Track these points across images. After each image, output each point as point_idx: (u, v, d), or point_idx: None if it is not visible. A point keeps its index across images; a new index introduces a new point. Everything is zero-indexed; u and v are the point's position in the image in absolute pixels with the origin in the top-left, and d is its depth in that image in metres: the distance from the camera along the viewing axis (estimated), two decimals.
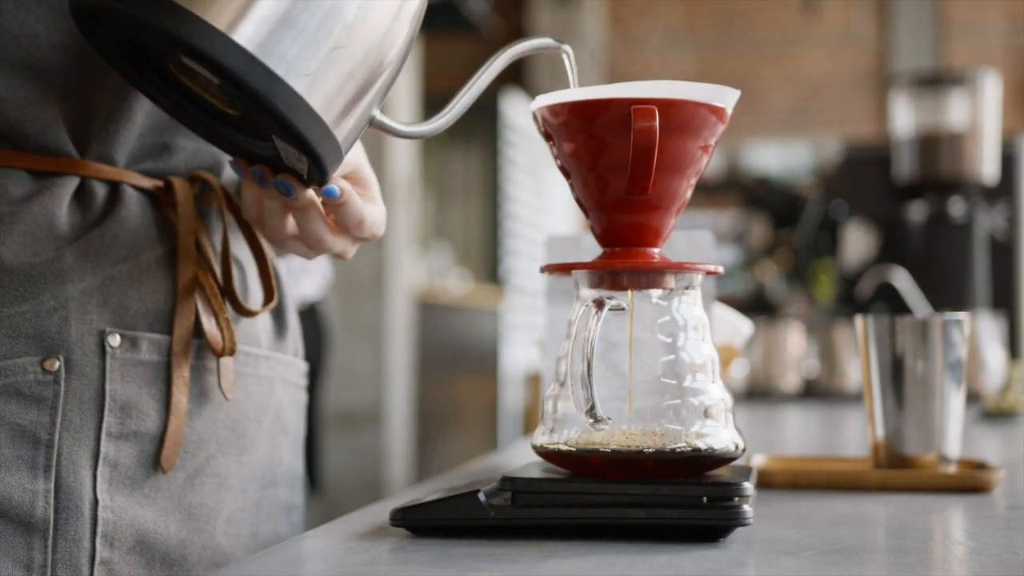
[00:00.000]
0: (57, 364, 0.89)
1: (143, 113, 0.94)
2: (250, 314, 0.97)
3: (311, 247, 0.92)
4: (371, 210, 0.91)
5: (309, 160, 0.79)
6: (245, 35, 0.73)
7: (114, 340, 0.91)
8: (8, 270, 0.89)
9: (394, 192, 4.17)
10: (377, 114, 0.82)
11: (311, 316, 3.34)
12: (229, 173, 1.03)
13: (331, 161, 0.79)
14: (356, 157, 0.92)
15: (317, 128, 0.76)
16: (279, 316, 1.07)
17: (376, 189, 0.94)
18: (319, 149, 0.77)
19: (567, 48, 0.88)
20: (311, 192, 0.87)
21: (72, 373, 0.90)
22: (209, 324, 0.95)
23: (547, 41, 0.86)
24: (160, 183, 0.98)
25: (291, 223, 0.93)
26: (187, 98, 0.84)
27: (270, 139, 0.81)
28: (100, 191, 0.94)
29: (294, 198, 0.86)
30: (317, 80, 0.75)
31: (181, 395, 0.93)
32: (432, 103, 5.34)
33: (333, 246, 0.92)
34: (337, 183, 0.87)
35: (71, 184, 0.93)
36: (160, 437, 0.93)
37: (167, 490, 0.94)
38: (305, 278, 3.32)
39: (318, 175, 0.81)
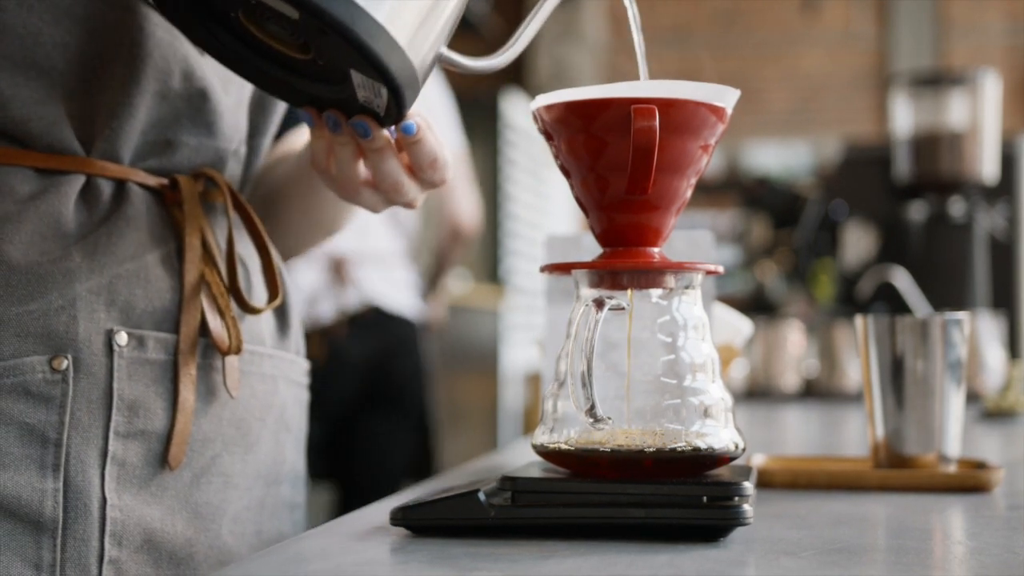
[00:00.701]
0: (65, 363, 0.89)
1: (146, 109, 0.94)
2: (255, 312, 0.97)
3: (387, 191, 0.90)
4: (442, 150, 0.90)
5: (389, 92, 0.79)
6: None
7: (121, 339, 0.92)
8: (16, 269, 0.89)
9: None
10: (444, 50, 0.82)
11: (407, 343, 2.97)
12: (232, 170, 1.03)
13: (412, 93, 0.79)
14: (418, 104, 0.91)
15: (398, 57, 0.77)
16: (282, 314, 1.07)
17: (439, 133, 0.92)
18: (400, 79, 0.77)
19: None
20: (387, 132, 0.86)
21: (80, 372, 0.90)
22: (215, 323, 0.95)
23: None
24: (165, 180, 0.98)
25: (363, 170, 0.91)
26: (253, 50, 0.84)
27: (342, 81, 0.81)
28: (106, 189, 0.94)
29: (371, 139, 0.85)
30: (395, 10, 0.76)
31: (189, 393, 0.94)
32: None
33: (409, 191, 0.90)
34: (413, 119, 0.86)
35: (77, 182, 0.93)
36: (167, 436, 0.93)
37: (174, 489, 0.94)
38: (396, 293, 3.08)
39: (396, 110, 0.81)
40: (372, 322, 2.95)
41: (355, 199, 0.93)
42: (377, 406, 2.99)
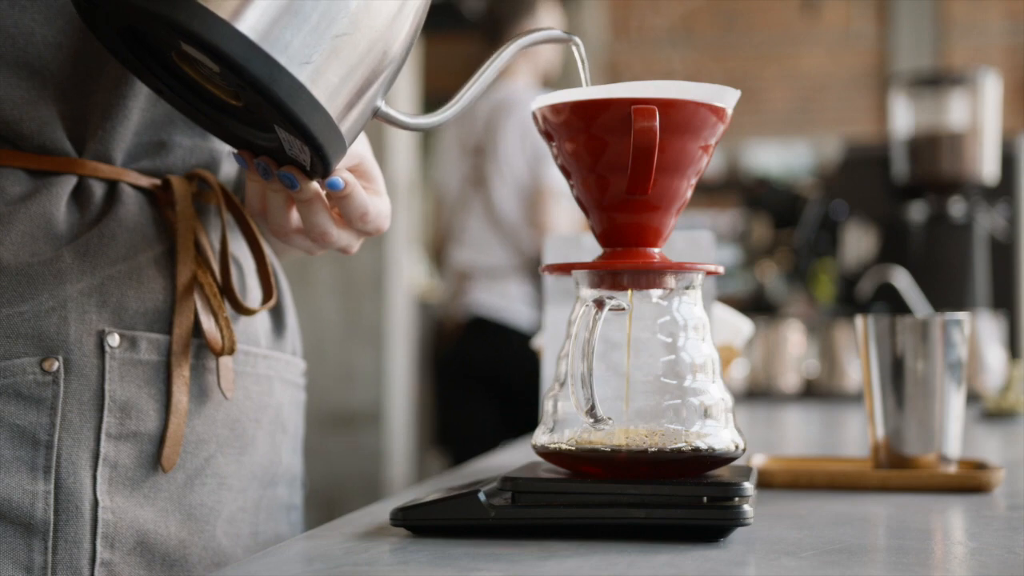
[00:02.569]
0: (56, 364, 0.89)
1: (139, 110, 0.94)
2: (249, 313, 0.97)
3: (316, 240, 0.91)
4: (375, 202, 0.90)
5: (312, 151, 0.78)
6: (247, 23, 0.72)
7: (113, 340, 0.91)
8: (6, 270, 0.89)
9: (394, 192, 4.16)
10: (382, 105, 0.81)
11: (520, 353, 2.97)
12: (227, 171, 1.03)
13: (334, 152, 0.78)
14: (361, 150, 0.91)
15: (320, 118, 0.75)
16: (277, 315, 1.07)
17: (381, 182, 0.93)
18: (321, 139, 0.76)
19: (576, 39, 0.87)
20: (315, 184, 0.86)
21: (71, 373, 0.90)
22: (208, 323, 0.95)
23: (556, 32, 0.86)
24: (158, 181, 0.98)
25: (295, 217, 0.92)
26: (190, 89, 0.83)
27: (273, 130, 0.80)
28: (98, 190, 0.94)
29: (298, 190, 0.85)
30: (320, 69, 0.75)
31: (181, 394, 0.93)
32: (432, 103, 5.34)
33: (338, 240, 0.91)
34: (341, 175, 0.86)
35: (69, 183, 0.93)
36: (160, 437, 0.93)
37: (167, 490, 0.94)
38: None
39: (321, 166, 0.80)
40: (486, 332, 3.34)
41: (288, 243, 0.94)
42: (493, 407, 3.37)
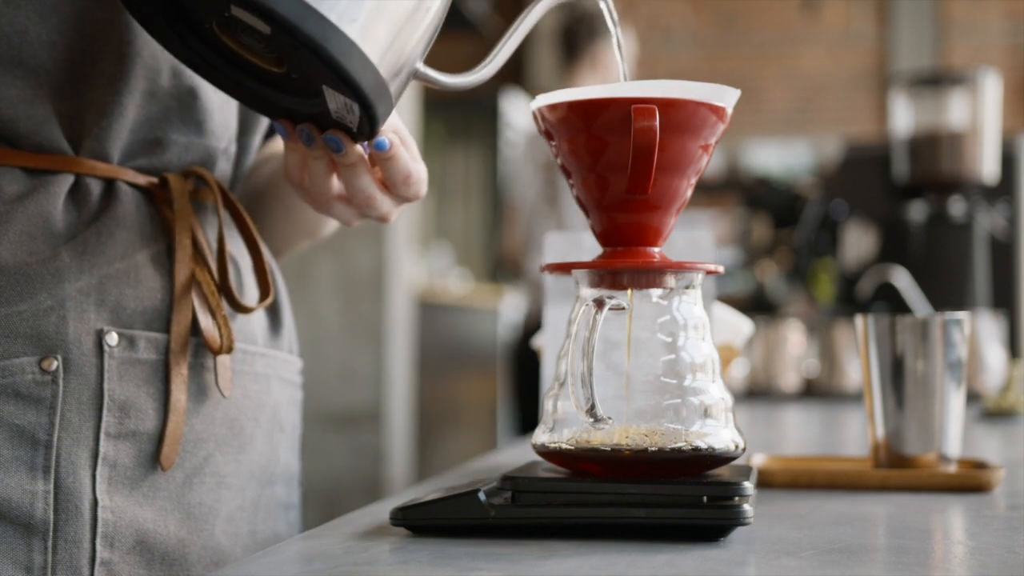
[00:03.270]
0: (55, 364, 0.89)
1: (134, 107, 0.94)
2: (246, 311, 0.97)
3: (359, 206, 0.90)
4: (416, 166, 0.90)
5: (361, 109, 0.78)
6: None
7: (112, 339, 0.91)
8: (4, 270, 0.89)
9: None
10: (421, 66, 0.82)
11: None
12: (223, 168, 1.03)
13: (383, 110, 0.79)
14: (393, 120, 0.90)
15: (371, 75, 0.76)
16: (275, 313, 1.07)
17: (416, 148, 0.92)
18: (372, 97, 0.77)
19: None
20: (359, 147, 0.86)
21: (70, 373, 0.90)
22: (206, 322, 0.95)
23: None
24: (155, 179, 0.97)
25: (336, 184, 0.91)
26: (229, 62, 0.83)
27: (315, 95, 0.80)
28: (95, 188, 0.94)
29: (343, 154, 0.85)
30: (368, 27, 0.76)
31: (180, 393, 0.93)
32: (432, 103, 5.34)
33: (381, 205, 0.91)
34: (386, 136, 0.86)
35: (66, 182, 0.93)
36: (159, 436, 0.93)
37: (166, 489, 0.94)
38: None
39: (368, 126, 0.80)
40: None
41: (328, 212, 0.93)
42: None
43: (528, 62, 7.01)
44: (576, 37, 3.96)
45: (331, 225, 1.16)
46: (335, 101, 0.80)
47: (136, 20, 0.84)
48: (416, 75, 0.82)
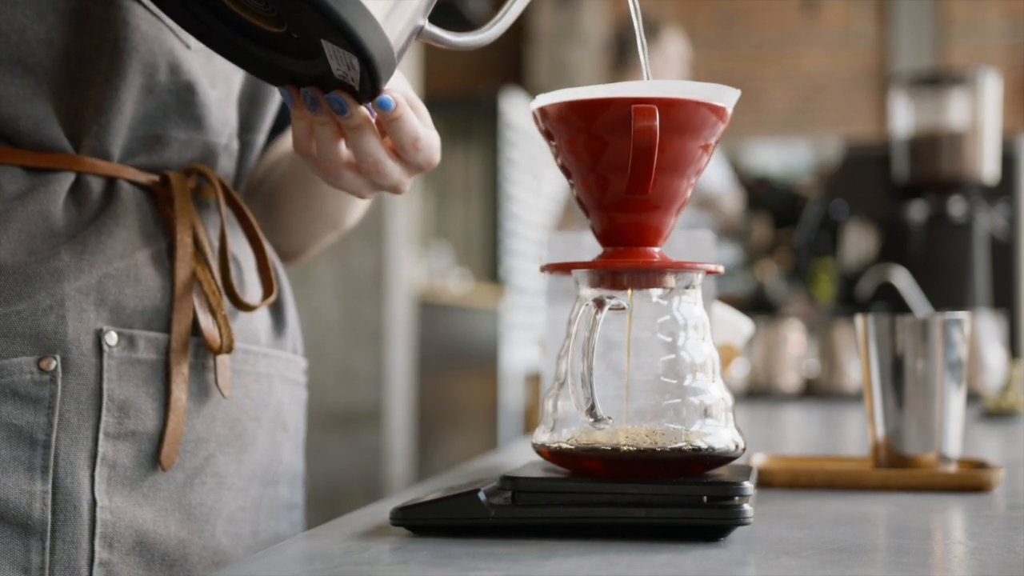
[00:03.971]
0: (54, 363, 0.89)
1: (132, 103, 0.94)
2: (249, 308, 0.97)
3: (368, 172, 0.88)
4: (426, 130, 0.88)
5: (362, 64, 0.77)
6: None
7: (111, 339, 0.91)
8: (3, 269, 0.89)
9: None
10: (426, 24, 0.81)
11: None
12: (224, 165, 1.03)
13: (385, 65, 0.78)
14: (403, 87, 0.89)
15: (369, 26, 0.75)
16: (278, 312, 1.06)
17: (427, 116, 0.90)
18: (372, 49, 0.76)
19: None
20: (364, 109, 0.84)
21: (69, 373, 0.90)
22: (206, 322, 0.94)
23: None
24: (156, 178, 0.97)
25: (345, 151, 0.88)
26: (230, 26, 0.83)
27: (316, 55, 0.79)
28: (96, 187, 0.94)
29: (348, 115, 0.83)
30: None
31: (181, 392, 0.93)
32: (432, 103, 5.34)
33: (391, 172, 0.88)
34: (391, 95, 0.84)
35: (67, 180, 0.93)
36: (159, 436, 0.93)
37: (166, 490, 0.94)
38: None
39: (371, 83, 0.79)
40: None
41: (339, 183, 0.90)
42: None
43: (528, 62, 7.01)
44: (627, 44, 4.08)
45: (354, 213, 1.15)
46: (336, 58, 0.78)
47: None
48: (421, 33, 0.80)
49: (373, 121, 0.86)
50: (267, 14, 0.80)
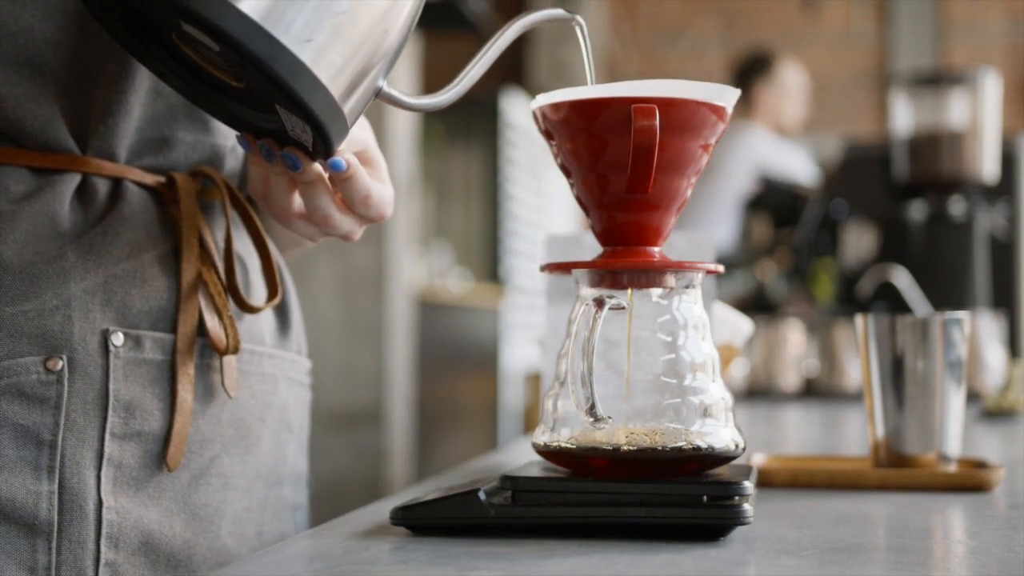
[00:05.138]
0: (60, 364, 0.89)
1: (140, 105, 0.94)
2: (253, 310, 0.97)
3: (318, 224, 0.90)
4: (378, 187, 0.90)
5: (313, 131, 0.78)
6: (248, 2, 0.72)
7: (117, 339, 0.91)
8: (10, 269, 0.89)
9: (395, 191, 4.15)
10: (384, 85, 0.81)
11: None
12: (231, 166, 1.03)
13: (337, 132, 0.78)
14: (364, 136, 0.90)
15: (321, 97, 0.75)
16: (282, 313, 1.07)
17: (384, 170, 0.92)
18: (323, 118, 0.76)
19: (580, 19, 0.87)
20: (318, 166, 0.85)
21: (75, 373, 0.90)
22: (212, 322, 0.95)
23: (559, 12, 0.86)
24: (162, 179, 0.97)
25: (298, 201, 0.91)
26: (193, 72, 0.83)
27: (272, 111, 0.80)
28: (102, 188, 0.94)
29: (301, 172, 0.84)
30: (322, 48, 0.74)
31: (187, 393, 0.93)
32: None
33: (340, 225, 0.90)
34: (344, 156, 0.85)
35: (73, 181, 0.93)
36: (164, 437, 0.93)
37: (172, 490, 0.94)
38: None
39: (323, 147, 0.80)
40: None
41: (290, 228, 0.93)
42: None
43: (528, 62, 7.01)
44: (746, 78, 4.40)
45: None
46: (289, 120, 0.79)
47: (106, 31, 0.84)
48: (379, 95, 0.81)
49: (326, 177, 0.86)
50: (227, 68, 0.80)
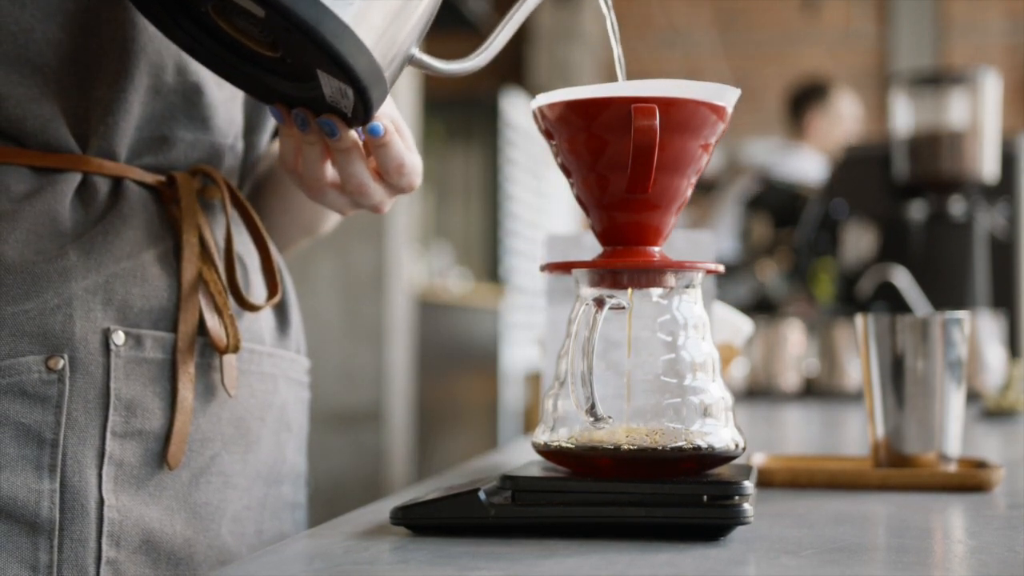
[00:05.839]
0: (61, 363, 0.89)
1: (139, 104, 0.94)
2: (253, 309, 0.97)
3: (352, 193, 0.90)
4: (410, 156, 0.90)
5: (355, 93, 0.78)
6: None
7: (118, 338, 0.91)
8: (11, 268, 0.89)
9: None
10: (416, 52, 0.82)
11: None
12: (230, 165, 1.03)
13: (378, 94, 0.79)
14: (391, 109, 0.91)
15: (365, 59, 0.76)
16: (282, 312, 1.07)
17: (412, 139, 0.93)
18: (366, 80, 0.77)
19: None
20: (354, 133, 0.86)
21: (76, 372, 0.90)
22: (212, 321, 0.95)
23: None
24: (162, 178, 0.98)
25: (330, 171, 0.91)
26: (224, 46, 0.84)
27: (310, 80, 0.80)
28: (103, 187, 0.94)
29: (337, 138, 0.85)
30: (363, 11, 0.76)
31: (187, 392, 0.93)
32: (432, 103, 5.34)
33: (374, 194, 0.91)
34: (381, 121, 0.86)
35: (74, 180, 0.93)
36: (165, 435, 0.93)
37: (172, 489, 0.94)
38: None
39: (363, 111, 0.80)
40: None
41: (322, 200, 0.93)
42: None
43: (528, 62, 7.01)
44: (802, 101, 4.60)
45: (329, 222, 1.16)
46: (330, 86, 0.80)
47: (134, 6, 0.84)
48: (412, 61, 0.82)
49: (361, 144, 0.87)
50: (262, 39, 0.80)
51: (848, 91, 4.76)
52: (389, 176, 0.90)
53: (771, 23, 7.31)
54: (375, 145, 0.87)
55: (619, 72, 0.87)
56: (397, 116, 0.91)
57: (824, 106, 4.57)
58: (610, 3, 0.87)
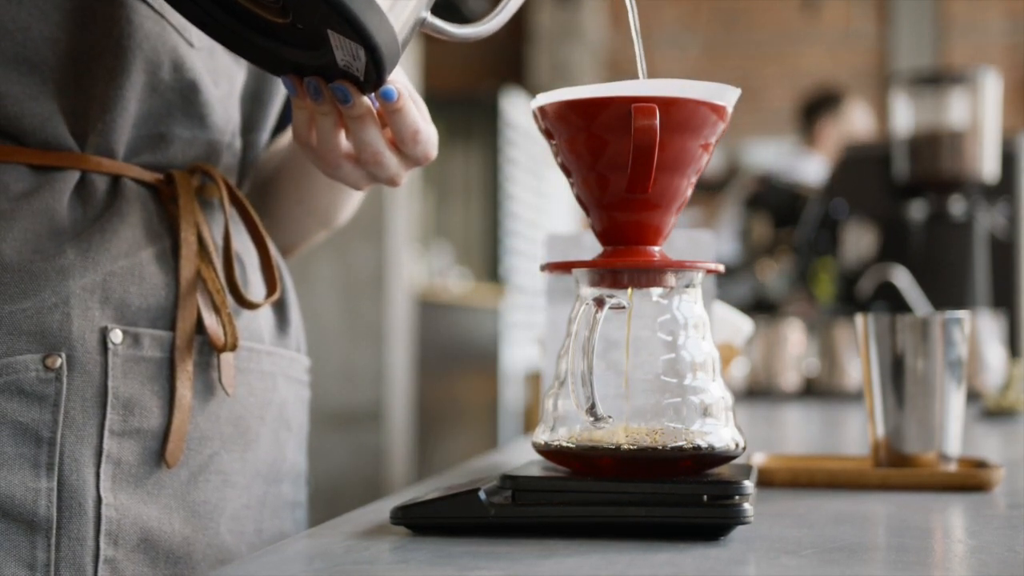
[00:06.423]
0: (59, 361, 0.89)
1: (136, 101, 0.94)
2: (252, 306, 0.97)
3: (367, 163, 0.88)
4: (426, 125, 0.89)
5: (367, 54, 0.78)
6: None
7: (116, 337, 0.91)
8: (9, 267, 0.89)
9: (394, 191, 4.16)
10: (428, 16, 0.81)
11: None
12: (228, 163, 1.03)
13: (390, 55, 0.78)
14: (403, 79, 0.89)
15: (377, 18, 0.76)
16: (281, 311, 1.07)
17: (426, 110, 0.91)
18: (378, 39, 0.76)
19: None
20: (367, 99, 0.85)
21: (74, 370, 0.90)
22: (210, 320, 0.95)
23: None
24: (160, 176, 0.97)
25: (345, 143, 0.89)
26: (235, 16, 0.83)
27: (321, 45, 0.80)
28: (101, 185, 0.94)
29: (351, 105, 0.84)
30: None
31: (185, 390, 0.93)
32: (432, 102, 5.34)
33: (390, 164, 0.89)
34: (394, 85, 0.85)
35: (72, 179, 0.93)
36: (163, 434, 0.93)
37: (171, 487, 0.94)
38: None
39: (375, 73, 0.80)
40: None
41: (337, 173, 0.91)
42: None
43: (528, 61, 7.01)
44: (814, 110, 4.68)
45: (346, 211, 1.16)
46: (341, 49, 0.79)
47: None
48: (424, 24, 0.81)
49: (375, 112, 0.86)
50: (271, 4, 0.80)
51: (861, 101, 4.83)
52: (404, 145, 0.88)
53: (771, 23, 7.31)
54: (389, 111, 0.86)
55: (640, 69, 0.87)
56: (410, 87, 0.89)
57: (836, 115, 4.64)
58: (634, 1, 0.87)
